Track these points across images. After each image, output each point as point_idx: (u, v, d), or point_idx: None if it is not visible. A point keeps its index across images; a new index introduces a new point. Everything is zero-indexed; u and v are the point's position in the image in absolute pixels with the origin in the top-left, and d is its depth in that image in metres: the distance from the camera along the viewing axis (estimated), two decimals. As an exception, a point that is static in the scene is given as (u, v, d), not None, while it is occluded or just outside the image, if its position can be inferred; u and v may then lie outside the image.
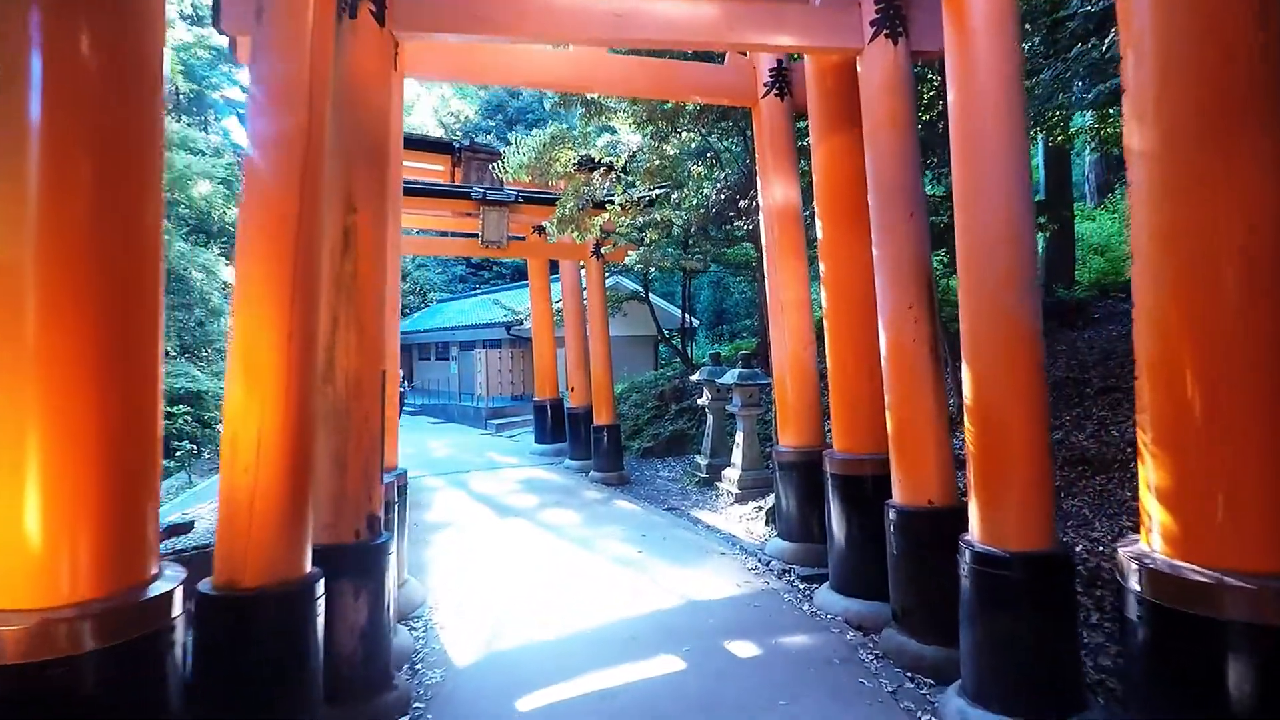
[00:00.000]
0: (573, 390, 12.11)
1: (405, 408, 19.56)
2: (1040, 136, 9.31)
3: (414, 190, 9.69)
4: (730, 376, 9.02)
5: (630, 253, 8.83)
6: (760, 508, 8.08)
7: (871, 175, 4.36)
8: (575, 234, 8.45)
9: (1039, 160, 12.45)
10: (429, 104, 32.29)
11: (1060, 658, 3.12)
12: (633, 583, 5.65)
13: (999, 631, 3.18)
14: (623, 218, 8.02)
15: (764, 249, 6.29)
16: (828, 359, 5.20)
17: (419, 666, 4.24)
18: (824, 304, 5.16)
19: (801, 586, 5.46)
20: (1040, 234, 10.84)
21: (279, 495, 2.80)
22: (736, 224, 7.27)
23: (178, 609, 2.28)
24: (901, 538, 4.08)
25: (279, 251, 2.89)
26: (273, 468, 2.79)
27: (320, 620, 2.98)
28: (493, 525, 7.93)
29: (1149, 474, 2.30)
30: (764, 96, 6.16)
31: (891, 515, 4.13)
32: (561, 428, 12.75)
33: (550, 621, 4.88)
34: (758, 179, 6.34)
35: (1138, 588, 2.25)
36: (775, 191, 6.16)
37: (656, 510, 8.53)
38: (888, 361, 4.24)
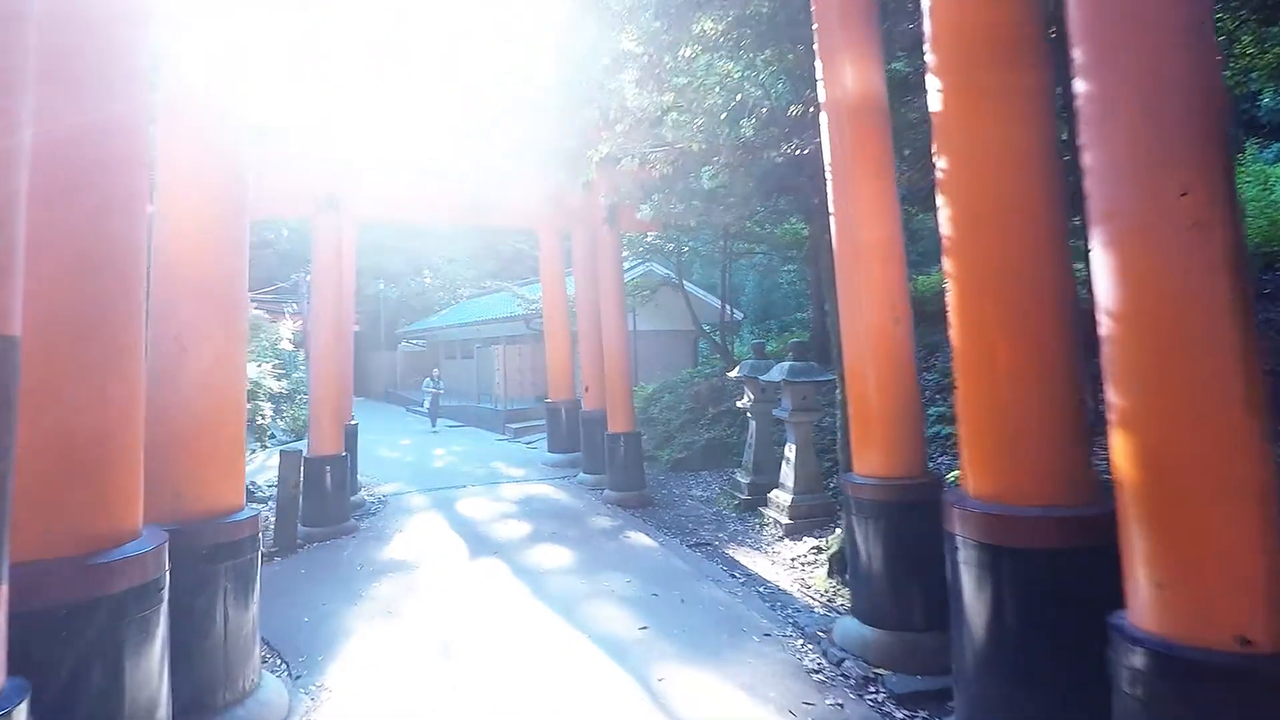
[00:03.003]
0: (587, 391, 10.11)
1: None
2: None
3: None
4: (778, 372, 6.90)
5: (641, 206, 6.68)
6: (820, 549, 5.99)
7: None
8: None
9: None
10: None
11: None
12: (619, 706, 3.49)
13: None
14: (622, 141, 5.79)
15: (828, 166, 4.05)
16: (952, 334, 2.92)
17: None
18: (946, 233, 2.88)
19: (900, 718, 3.23)
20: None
21: None
22: (787, 151, 5.01)
23: None
24: (1168, 707, 1.83)
25: None
26: None
27: None
28: (458, 570, 5.90)
29: None
30: (827, -70, 3.95)
31: (1137, 659, 1.87)
32: (578, 434, 10.66)
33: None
34: (817, 63, 4.12)
35: None
36: (845, 77, 3.92)
37: (680, 548, 6.41)
38: (1116, 321, 1.98)
